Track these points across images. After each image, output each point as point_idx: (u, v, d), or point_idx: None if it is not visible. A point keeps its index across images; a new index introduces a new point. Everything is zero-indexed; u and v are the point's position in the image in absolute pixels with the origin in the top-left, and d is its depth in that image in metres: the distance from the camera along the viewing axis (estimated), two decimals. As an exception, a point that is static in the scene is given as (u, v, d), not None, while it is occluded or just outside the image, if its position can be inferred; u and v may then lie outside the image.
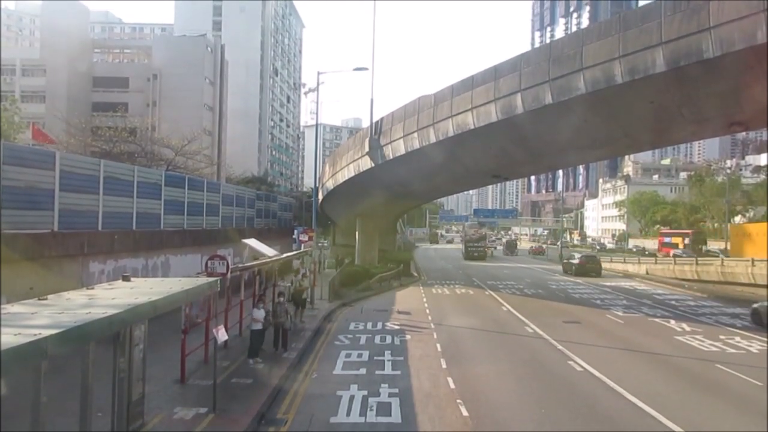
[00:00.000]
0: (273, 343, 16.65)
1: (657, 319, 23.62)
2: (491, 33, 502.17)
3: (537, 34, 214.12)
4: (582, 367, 15.30)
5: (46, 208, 15.56)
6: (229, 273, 12.88)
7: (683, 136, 27.92)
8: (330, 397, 12.59)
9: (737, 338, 19.22)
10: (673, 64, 17.75)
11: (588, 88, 20.25)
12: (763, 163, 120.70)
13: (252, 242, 20.98)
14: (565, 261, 48.08)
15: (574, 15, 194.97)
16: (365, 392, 12.83)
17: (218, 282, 9.80)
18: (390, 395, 12.74)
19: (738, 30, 16.15)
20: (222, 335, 11.02)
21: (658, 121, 21.98)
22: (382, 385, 13.48)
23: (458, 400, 12.40)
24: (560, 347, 17.83)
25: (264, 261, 18.80)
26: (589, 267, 44.85)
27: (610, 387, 13.50)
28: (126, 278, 9.65)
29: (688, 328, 21.22)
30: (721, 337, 19.38)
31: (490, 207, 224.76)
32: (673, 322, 22.76)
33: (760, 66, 16.11)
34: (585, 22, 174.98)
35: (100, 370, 8.06)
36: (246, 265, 16.46)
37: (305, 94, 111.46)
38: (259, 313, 15.20)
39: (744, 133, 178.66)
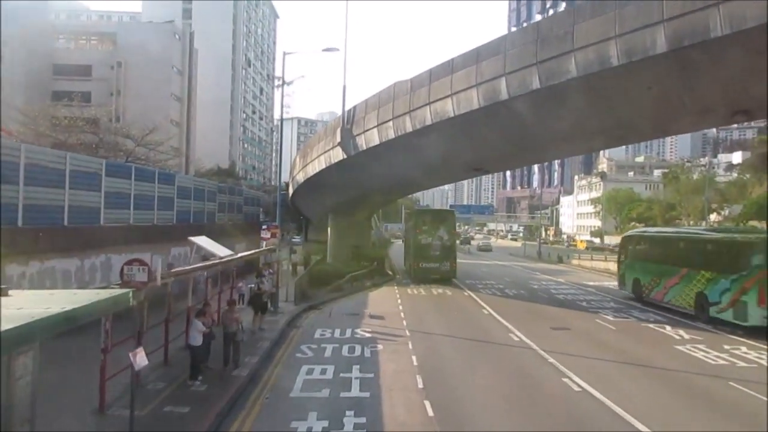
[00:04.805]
0: (223, 358, 14.33)
1: (651, 325, 21.78)
2: (469, 22, 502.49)
3: (513, 29, 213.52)
4: (580, 386, 13.25)
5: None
6: (152, 282, 10.51)
7: (683, 127, 26.17)
8: (283, 430, 10.40)
9: (744, 348, 17.39)
10: (676, 44, 15.90)
11: (580, 71, 18.35)
12: (735, 161, 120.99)
13: (201, 240, 18.52)
14: None
15: (551, 12, 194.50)
16: (326, 423, 10.64)
17: (130, 295, 7.46)
18: (356, 426, 10.63)
19: (750, 6, 14.37)
20: (141, 360, 8.71)
21: (657, 109, 20.13)
22: (347, 412, 11.30)
23: (438, 433, 10.31)
24: (551, 360, 15.78)
25: (211, 263, 16.42)
26: None
27: (615, 412, 11.49)
28: (4, 292, 7.33)
29: (687, 336, 19.37)
30: (726, 347, 17.54)
31: (465, 203, 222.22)
32: (668, 328, 20.91)
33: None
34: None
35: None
36: (178, 270, 13.99)
37: (277, 87, 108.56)
38: (200, 325, 12.85)
39: (714, 131, 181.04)
